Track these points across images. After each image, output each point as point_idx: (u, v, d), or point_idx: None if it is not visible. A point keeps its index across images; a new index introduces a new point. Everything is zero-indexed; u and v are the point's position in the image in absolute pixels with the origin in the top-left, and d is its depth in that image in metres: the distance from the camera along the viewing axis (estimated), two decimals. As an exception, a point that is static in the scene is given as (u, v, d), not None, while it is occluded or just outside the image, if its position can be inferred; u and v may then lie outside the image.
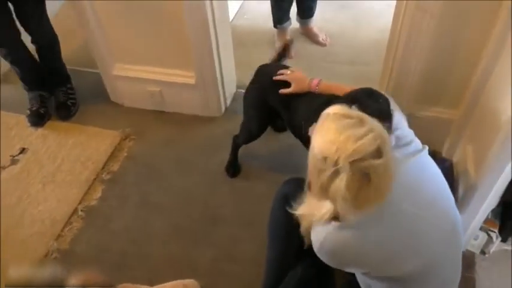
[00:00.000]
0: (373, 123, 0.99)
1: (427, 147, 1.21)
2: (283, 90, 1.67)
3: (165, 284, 1.56)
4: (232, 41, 2.35)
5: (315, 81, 1.61)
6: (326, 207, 1.11)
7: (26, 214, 2.02)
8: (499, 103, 1.54)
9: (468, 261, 1.70)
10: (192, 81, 2.26)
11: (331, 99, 1.48)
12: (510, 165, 1.36)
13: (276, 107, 1.78)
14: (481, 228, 1.67)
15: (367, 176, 0.95)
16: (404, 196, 1.05)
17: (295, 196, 1.53)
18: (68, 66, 2.47)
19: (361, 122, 0.98)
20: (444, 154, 2.03)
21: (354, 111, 1.02)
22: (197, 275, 1.71)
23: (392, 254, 1.09)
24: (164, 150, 2.26)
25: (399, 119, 1.31)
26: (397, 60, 1.88)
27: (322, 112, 1.38)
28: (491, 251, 1.71)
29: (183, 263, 1.81)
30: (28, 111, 2.40)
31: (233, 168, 2.11)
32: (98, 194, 2.08)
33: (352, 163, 0.93)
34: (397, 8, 1.81)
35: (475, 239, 1.69)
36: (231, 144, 2.07)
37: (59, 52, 2.40)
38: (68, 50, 2.50)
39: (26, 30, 2.22)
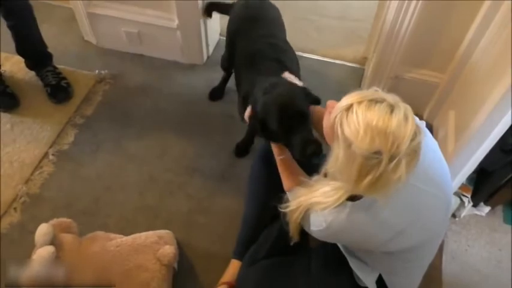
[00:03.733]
0: (395, 97, 0.96)
1: (424, 122, 1.16)
2: None
3: (140, 234, 1.55)
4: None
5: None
6: (339, 192, 1.05)
7: (-8, 155, 1.93)
8: (484, 73, 1.52)
9: (439, 224, 1.75)
10: (173, 24, 2.14)
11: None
12: (491, 136, 1.36)
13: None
14: (455, 193, 1.70)
15: (416, 153, 0.93)
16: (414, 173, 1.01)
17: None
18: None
19: (391, 102, 0.93)
20: (425, 117, 2.03)
21: (375, 93, 0.96)
22: (171, 226, 1.70)
23: (400, 231, 1.06)
24: (141, 97, 2.16)
25: None
26: (388, 19, 1.81)
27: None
28: (462, 215, 1.76)
29: (157, 214, 1.79)
30: None
31: (215, 92, 2.15)
32: (70, 138, 2.00)
33: (408, 146, 0.90)
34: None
35: (448, 203, 1.73)
36: None
37: (35, 20, 2.02)
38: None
39: None
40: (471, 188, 1.71)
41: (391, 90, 1.97)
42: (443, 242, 1.72)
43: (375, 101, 0.93)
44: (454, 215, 1.78)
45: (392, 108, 0.92)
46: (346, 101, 0.97)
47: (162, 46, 2.27)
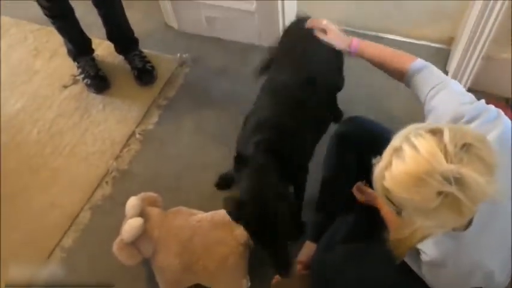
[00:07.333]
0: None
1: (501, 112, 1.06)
2: (320, 34, 1.38)
3: (218, 211, 1.62)
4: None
5: (356, 41, 1.31)
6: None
7: (87, 133, 2.11)
8: None
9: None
10: (251, 7, 2.16)
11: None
12: None
13: None
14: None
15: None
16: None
17: (353, 136, 1.50)
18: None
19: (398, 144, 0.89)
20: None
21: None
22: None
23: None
24: (219, 79, 2.23)
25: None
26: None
27: None
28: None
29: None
30: (87, 80, 2.22)
31: None
32: (154, 118, 2.13)
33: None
34: None
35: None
36: None
37: (122, 8, 2.14)
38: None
39: None
40: None
41: (480, 72, 1.89)
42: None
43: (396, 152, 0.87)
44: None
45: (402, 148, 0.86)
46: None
47: (240, 29, 2.31)
